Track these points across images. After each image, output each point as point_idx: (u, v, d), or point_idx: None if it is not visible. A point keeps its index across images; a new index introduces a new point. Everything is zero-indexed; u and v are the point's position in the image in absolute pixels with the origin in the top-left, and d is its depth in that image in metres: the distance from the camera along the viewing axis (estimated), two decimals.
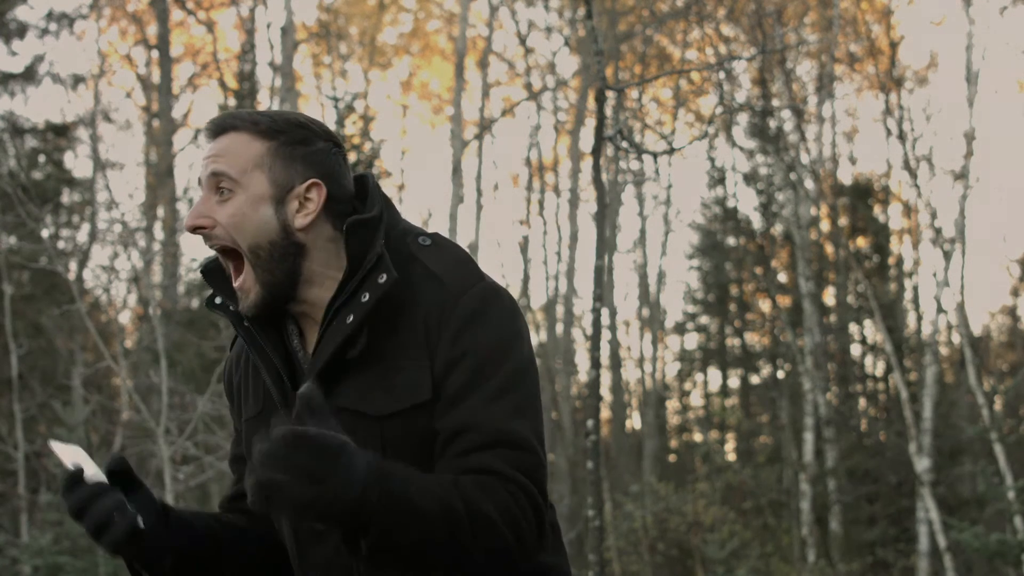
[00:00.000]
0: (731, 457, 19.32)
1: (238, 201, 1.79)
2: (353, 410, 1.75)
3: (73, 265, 14.88)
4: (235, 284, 1.81)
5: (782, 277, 19.89)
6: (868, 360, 20.09)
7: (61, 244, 15.42)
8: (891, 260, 19.64)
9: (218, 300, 1.88)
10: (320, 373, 1.76)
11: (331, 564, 1.81)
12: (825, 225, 18.77)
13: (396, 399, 1.74)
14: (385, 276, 1.74)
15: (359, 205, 1.84)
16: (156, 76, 19.80)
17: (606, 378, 20.81)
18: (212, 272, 1.88)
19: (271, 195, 1.79)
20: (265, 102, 18.52)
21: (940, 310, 15.40)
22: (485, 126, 21.12)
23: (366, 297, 1.74)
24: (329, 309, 1.78)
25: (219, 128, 1.82)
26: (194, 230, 1.78)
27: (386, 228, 1.82)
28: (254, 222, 1.78)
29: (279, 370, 1.83)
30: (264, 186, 1.79)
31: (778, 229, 18.96)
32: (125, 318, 17.78)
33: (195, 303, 15.42)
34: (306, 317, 1.84)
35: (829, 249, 19.43)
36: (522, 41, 21.12)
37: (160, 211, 17.85)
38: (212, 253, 1.87)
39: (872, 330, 19.08)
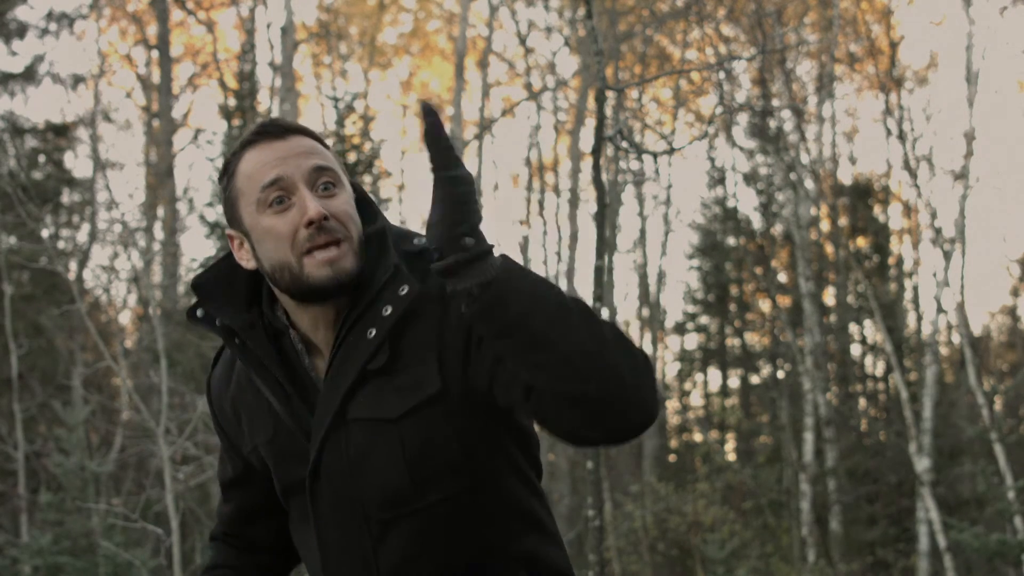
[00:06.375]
0: (731, 457, 19.31)
1: (345, 196, 1.78)
2: (368, 418, 1.75)
3: (73, 265, 14.89)
4: (332, 253, 1.73)
5: (782, 277, 19.88)
6: (868, 360, 20.09)
7: (61, 244, 15.42)
8: (891, 260, 19.64)
9: (199, 313, 1.84)
10: (349, 389, 1.75)
11: (354, 574, 1.81)
12: (825, 225, 18.77)
13: (407, 397, 1.73)
14: (407, 288, 1.73)
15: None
16: (156, 76, 19.80)
17: None
18: (203, 286, 1.85)
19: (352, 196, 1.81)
20: (265, 102, 18.52)
21: (940, 310, 15.39)
22: (485, 126, 21.12)
23: (388, 311, 1.73)
24: (346, 322, 1.76)
25: (288, 129, 1.79)
26: (322, 219, 1.71)
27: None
28: (356, 218, 1.78)
29: (284, 387, 1.80)
30: (349, 187, 1.81)
31: (778, 229, 18.95)
32: (125, 318, 17.79)
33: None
34: (315, 331, 1.82)
35: (829, 249, 19.42)
36: (522, 41, 21.12)
37: (160, 211, 17.86)
38: (206, 265, 1.85)
39: (872, 330, 19.08)
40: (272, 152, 1.76)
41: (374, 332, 1.74)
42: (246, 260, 1.82)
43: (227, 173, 1.81)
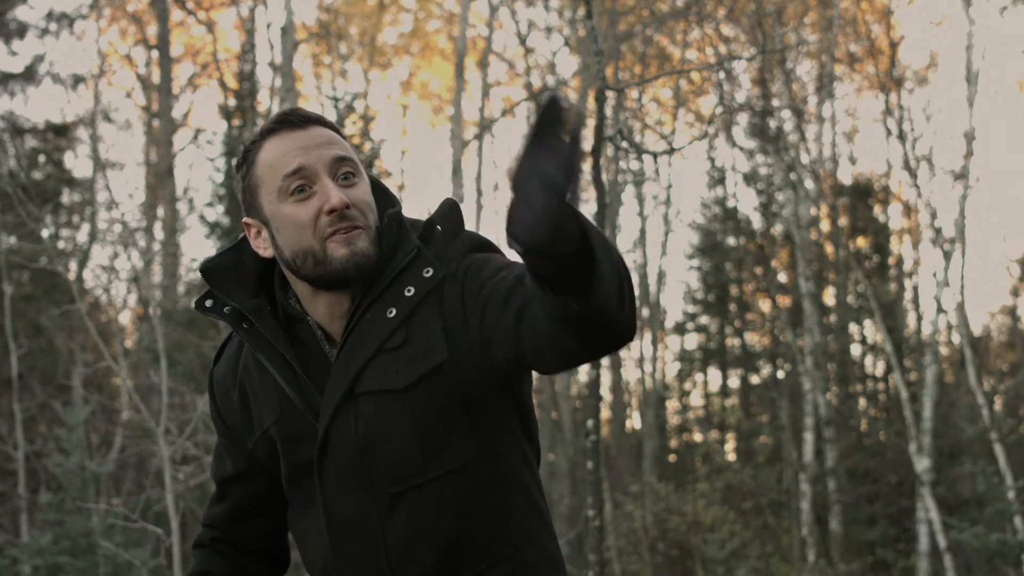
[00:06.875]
0: (731, 457, 19.31)
1: (364, 185, 1.81)
2: (376, 391, 1.77)
3: (73, 265, 14.90)
4: (350, 234, 1.76)
5: (782, 277, 19.88)
6: (868, 360, 20.08)
7: (61, 244, 15.43)
8: (891, 260, 19.63)
9: (209, 303, 1.86)
10: (363, 365, 1.77)
11: (362, 557, 1.82)
12: (825, 225, 18.76)
13: (415, 367, 1.76)
14: (432, 271, 1.77)
15: None
16: (156, 76, 19.80)
17: (606, 378, 20.82)
18: (211, 271, 1.86)
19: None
20: (265, 102, 18.52)
21: (940, 310, 15.39)
22: (485, 126, 21.11)
23: (411, 291, 1.77)
24: (363, 301, 1.79)
25: (308, 119, 1.81)
26: (344, 208, 1.74)
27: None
28: (374, 207, 1.81)
29: (295, 368, 1.81)
30: (367, 177, 1.85)
31: (778, 229, 18.95)
32: (125, 318, 17.80)
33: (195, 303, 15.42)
34: (330, 320, 1.83)
35: (829, 249, 19.42)
36: (522, 41, 21.10)
37: (160, 211, 17.86)
38: (212, 253, 1.87)
39: (872, 330, 19.07)
40: (293, 141, 1.78)
41: (395, 312, 1.77)
42: (263, 248, 1.83)
43: (246, 161, 1.82)
